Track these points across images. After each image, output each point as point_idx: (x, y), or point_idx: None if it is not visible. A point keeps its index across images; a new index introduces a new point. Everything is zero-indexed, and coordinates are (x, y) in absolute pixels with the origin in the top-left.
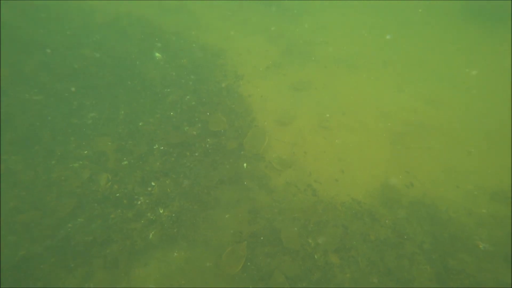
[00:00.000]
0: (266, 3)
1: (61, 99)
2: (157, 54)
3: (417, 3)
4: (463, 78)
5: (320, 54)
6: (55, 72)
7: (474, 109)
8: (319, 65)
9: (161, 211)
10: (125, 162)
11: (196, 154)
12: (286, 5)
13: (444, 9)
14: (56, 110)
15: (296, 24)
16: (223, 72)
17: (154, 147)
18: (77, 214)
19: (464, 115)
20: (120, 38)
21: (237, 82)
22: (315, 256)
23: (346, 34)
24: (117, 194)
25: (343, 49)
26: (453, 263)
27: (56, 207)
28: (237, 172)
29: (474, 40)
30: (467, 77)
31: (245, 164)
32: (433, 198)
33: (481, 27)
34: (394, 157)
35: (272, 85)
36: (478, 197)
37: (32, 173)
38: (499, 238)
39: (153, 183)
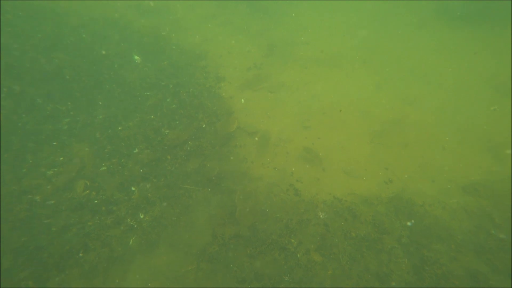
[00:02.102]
0: (247, 4)
1: (32, 104)
2: (136, 57)
3: (396, 3)
4: (438, 76)
5: (300, 54)
6: (25, 76)
7: (447, 106)
8: (300, 65)
9: (141, 217)
10: (104, 168)
11: (177, 157)
12: (267, 6)
13: (421, 10)
14: (27, 115)
15: (277, 24)
16: (204, 74)
17: (134, 151)
18: (51, 224)
19: (438, 113)
20: (96, 41)
21: (218, 84)
22: (298, 255)
23: (327, 34)
24: (95, 201)
25: (323, 49)
26: (428, 254)
27: (27, 218)
28: (219, 173)
29: (449, 39)
30: (442, 75)
31: (226, 165)
32: (411, 193)
33: (455, 27)
34: (374, 155)
35: (253, 86)
36: (451, 190)
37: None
38: (470, 229)
39: (133, 188)
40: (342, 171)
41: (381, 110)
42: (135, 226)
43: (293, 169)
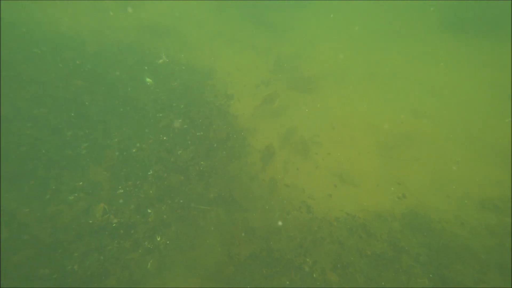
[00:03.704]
0: (253, 21)
1: (54, 130)
2: (147, 79)
3: (402, 16)
4: (447, 89)
5: (307, 69)
6: (48, 104)
7: (459, 119)
8: (307, 80)
9: (158, 239)
10: (121, 191)
11: (190, 177)
12: (273, 22)
13: (428, 22)
14: (50, 142)
15: (283, 40)
16: (213, 92)
17: (149, 173)
18: (73, 249)
19: (449, 125)
20: (111, 66)
21: (227, 102)
22: (314, 275)
23: (332, 48)
24: (114, 225)
25: (329, 63)
26: (450, 275)
27: (51, 244)
28: (231, 193)
29: (457, 51)
30: (451, 87)
31: (239, 185)
32: (425, 208)
33: (463, 39)
34: (385, 169)
35: (261, 103)
36: (468, 206)
37: (27, 210)
38: (492, 248)
39: (149, 210)
40: (354, 187)
41: (390, 123)
42: (153, 248)
43: (304, 185)
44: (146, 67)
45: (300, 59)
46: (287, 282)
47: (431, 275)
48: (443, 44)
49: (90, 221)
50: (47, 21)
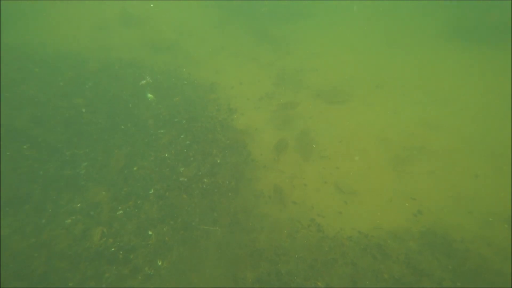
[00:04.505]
0: (256, 35)
1: (53, 150)
2: (149, 95)
3: (408, 25)
4: (461, 98)
5: (312, 81)
6: (47, 124)
7: (475, 130)
8: (312, 93)
9: (159, 263)
10: (120, 212)
11: (193, 196)
12: (275, 35)
13: (436, 31)
14: (48, 163)
15: (286, 53)
16: (216, 106)
17: (150, 192)
18: (68, 278)
19: (465, 137)
20: (112, 83)
21: (230, 116)
22: None
23: (337, 60)
24: (112, 249)
25: (334, 75)
26: None
27: (45, 273)
28: (236, 211)
29: (469, 60)
30: (465, 97)
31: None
32: (445, 227)
33: (475, 47)
34: (398, 184)
35: (266, 117)
36: (494, 224)
37: (19, 237)
38: None
39: (150, 232)
40: (365, 203)
41: (401, 136)
42: (153, 274)
43: (313, 202)
44: (147, 83)
45: (304, 72)
46: None
47: None
48: (453, 52)
49: (87, 246)
50: (49, 42)
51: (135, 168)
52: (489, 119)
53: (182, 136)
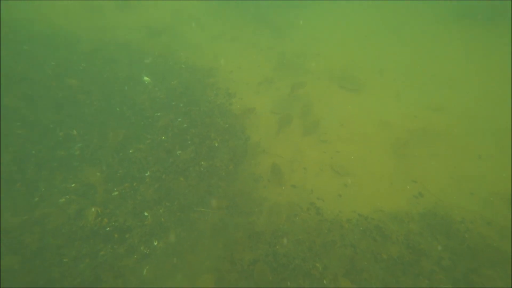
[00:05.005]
0: (256, 20)
1: (45, 130)
2: (145, 78)
3: (410, 7)
4: (464, 80)
5: (313, 66)
6: (39, 104)
7: (478, 111)
8: (313, 77)
9: (155, 244)
10: (116, 193)
11: (190, 178)
12: (275, 20)
13: (440, 12)
14: (41, 143)
15: (286, 38)
16: (214, 91)
17: (146, 174)
18: (63, 254)
19: (468, 118)
20: (107, 65)
21: (229, 100)
22: (324, 281)
23: (339, 44)
24: (107, 228)
25: (336, 59)
26: (479, 280)
27: (39, 249)
28: (234, 194)
29: (473, 41)
30: (468, 79)
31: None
32: (446, 208)
33: (477, 28)
34: (399, 167)
35: (265, 101)
36: (495, 204)
37: (11, 214)
38: None
39: (146, 213)
40: (365, 186)
41: (403, 119)
42: (149, 254)
43: (313, 186)
44: (143, 66)
45: (305, 56)
46: None
47: (456, 281)
48: (456, 35)
49: (82, 225)
50: (40, 19)
51: (131, 151)
52: (492, 100)
53: (179, 120)
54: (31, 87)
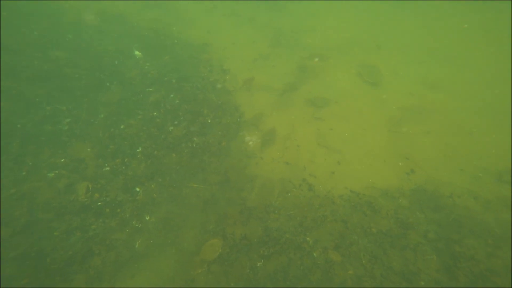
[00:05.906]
0: None
1: (31, 104)
2: (136, 53)
3: None
4: (459, 57)
5: (309, 42)
6: (22, 76)
7: (472, 89)
8: (309, 54)
9: (147, 218)
10: (107, 168)
11: (182, 154)
12: None
13: None
14: (26, 116)
15: (282, 13)
16: (208, 67)
17: (138, 150)
18: (52, 228)
19: (462, 96)
20: (95, 37)
21: (223, 77)
22: (314, 254)
23: (336, 20)
24: (99, 203)
25: (333, 35)
26: (460, 250)
27: (28, 222)
28: (226, 170)
29: (470, 18)
30: (463, 56)
31: (234, 161)
32: (436, 184)
33: (474, 6)
34: (392, 144)
35: (260, 78)
36: (483, 179)
37: None
38: (507, 221)
39: (137, 189)
40: (358, 163)
41: (398, 96)
42: (141, 228)
43: (305, 163)
44: (134, 40)
45: (302, 32)
46: (286, 262)
47: (439, 251)
48: (455, 10)
49: (72, 199)
50: None
51: (122, 126)
52: (489, 77)
53: (171, 96)
54: (12, 57)
